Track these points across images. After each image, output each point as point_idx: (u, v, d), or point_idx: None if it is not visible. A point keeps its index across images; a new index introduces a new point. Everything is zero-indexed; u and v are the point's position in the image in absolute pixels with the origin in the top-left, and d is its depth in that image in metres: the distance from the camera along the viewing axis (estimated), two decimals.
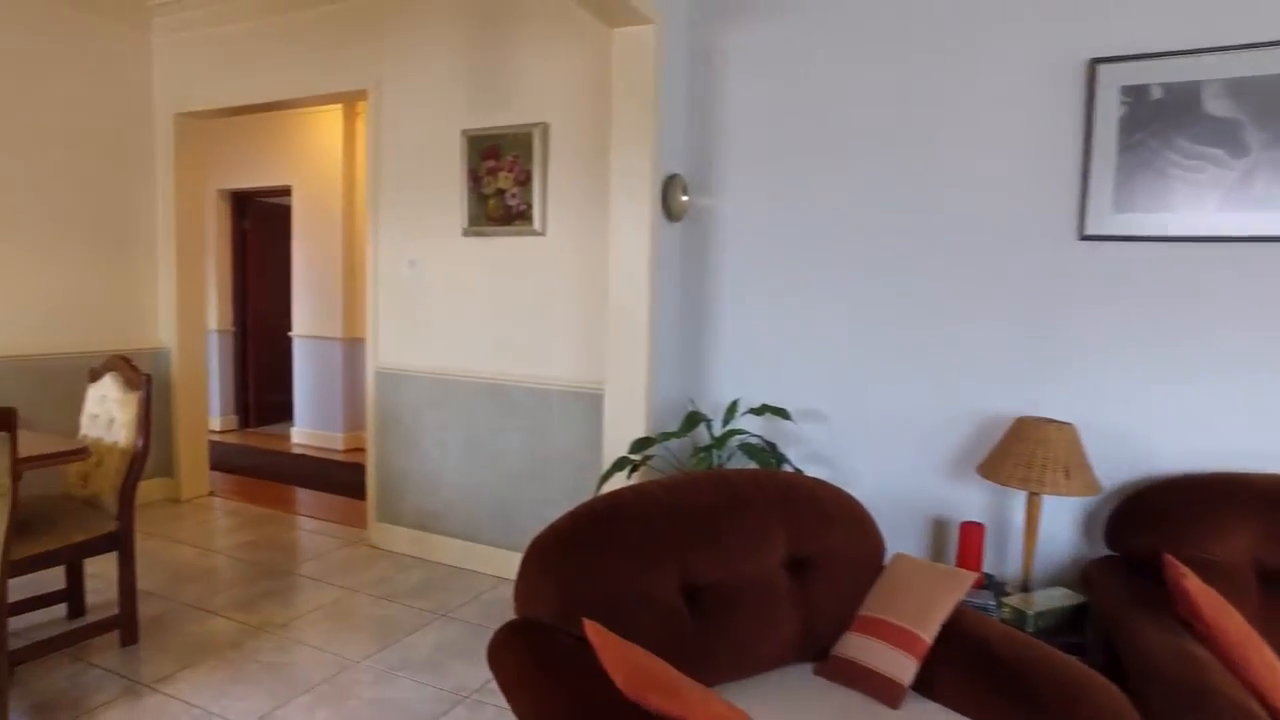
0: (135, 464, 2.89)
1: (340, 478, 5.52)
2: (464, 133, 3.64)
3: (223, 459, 5.93)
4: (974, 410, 2.78)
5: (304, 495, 5.11)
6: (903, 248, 2.86)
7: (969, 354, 2.77)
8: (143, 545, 4.05)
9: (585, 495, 3.47)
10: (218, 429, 7.09)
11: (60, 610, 3.21)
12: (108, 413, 3.01)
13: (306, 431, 6.64)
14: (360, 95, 4.04)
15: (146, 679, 2.74)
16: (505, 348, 3.65)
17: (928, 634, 2.00)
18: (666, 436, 2.85)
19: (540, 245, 3.52)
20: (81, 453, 2.59)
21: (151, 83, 4.71)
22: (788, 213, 3.04)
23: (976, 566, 2.55)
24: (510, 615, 3.22)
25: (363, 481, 5.19)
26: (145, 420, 2.91)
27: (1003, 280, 2.71)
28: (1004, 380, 2.72)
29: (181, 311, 4.79)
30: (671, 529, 2.06)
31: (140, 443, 2.89)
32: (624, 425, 3.03)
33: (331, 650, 2.96)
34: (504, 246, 3.61)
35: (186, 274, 4.80)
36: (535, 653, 1.78)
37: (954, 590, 2.07)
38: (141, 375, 2.93)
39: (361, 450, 6.34)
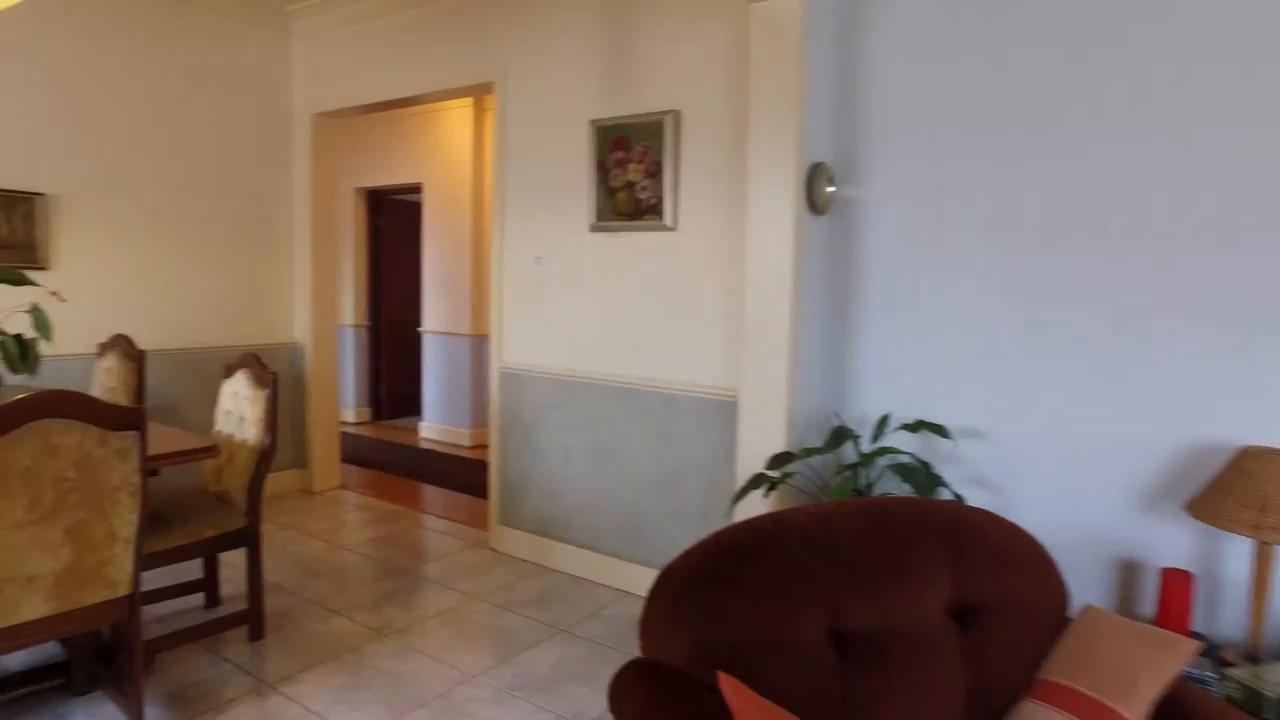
0: (263, 462, 2.88)
1: (465, 476, 5.52)
2: (592, 123, 3.47)
3: (354, 452, 6.07)
4: (1179, 434, 2.35)
5: (430, 492, 5.12)
6: (1091, 246, 2.46)
7: (1175, 367, 2.34)
8: (275, 537, 4.12)
9: (717, 510, 3.23)
10: (351, 421, 7.30)
11: (199, 599, 3.27)
12: (239, 409, 3.02)
13: (435, 426, 6.72)
14: (487, 88, 3.95)
15: (271, 677, 2.72)
16: (633, 349, 3.45)
17: (1133, 712, 1.64)
18: (809, 452, 2.57)
19: (671, 241, 3.30)
20: (209, 451, 2.58)
21: (290, 85, 4.82)
22: (949, 203, 2.69)
23: (1183, 626, 2.14)
24: (633, 637, 3.04)
25: (487, 481, 5.16)
26: (272, 419, 2.89)
27: (1224, 282, 2.27)
28: (1222, 400, 2.28)
29: (315, 307, 4.88)
30: (820, 566, 1.79)
31: (267, 441, 2.88)
32: (761, 437, 2.77)
33: (448, 661, 2.86)
34: (633, 242, 3.42)
35: (320, 271, 4.88)
36: (661, 705, 1.57)
37: (1169, 658, 1.70)
38: (269, 373, 2.92)
39: (488, 447, 6.35)
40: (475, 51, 3.92)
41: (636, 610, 3.32)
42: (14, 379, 3.26)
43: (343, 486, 5.13)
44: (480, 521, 4.44)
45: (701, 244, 3.23)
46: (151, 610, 3.17)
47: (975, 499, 2.66)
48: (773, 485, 2.62)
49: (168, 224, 4.31)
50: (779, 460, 2.64)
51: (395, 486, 5.20)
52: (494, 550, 4.02)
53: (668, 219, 3.26)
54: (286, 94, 4.79)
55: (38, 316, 2.88)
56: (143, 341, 4.19)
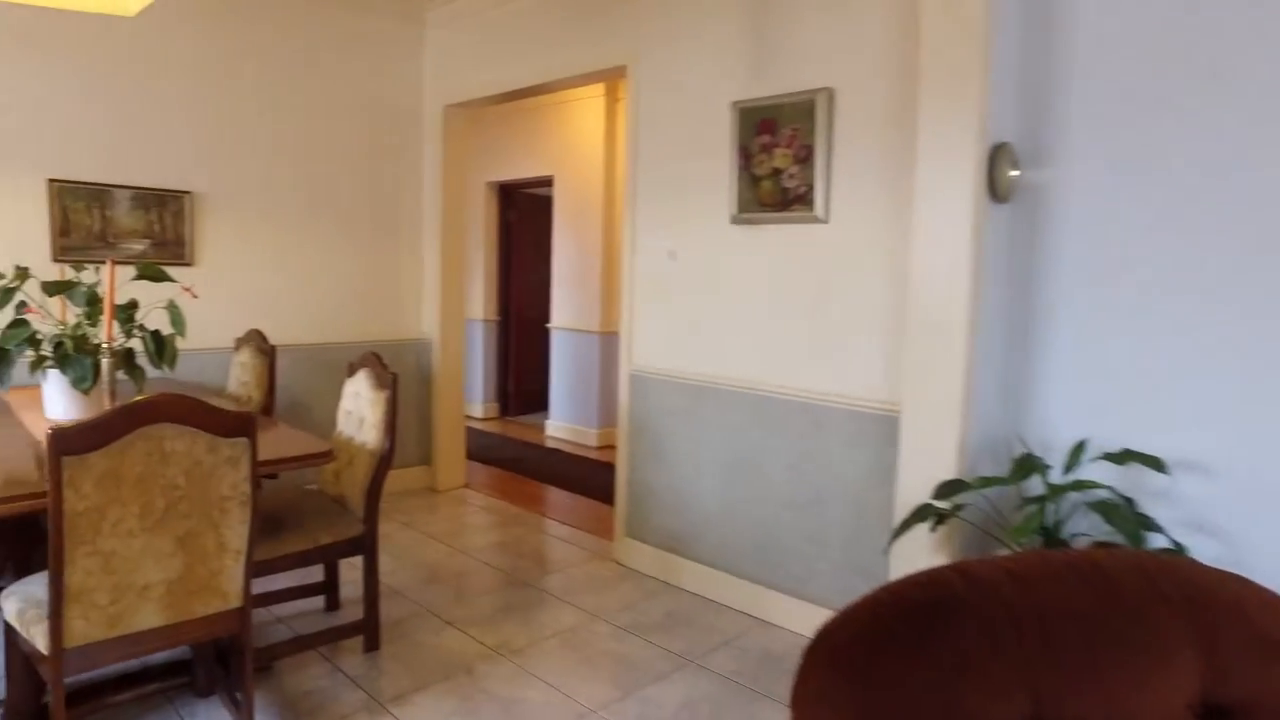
0: (381, 467, 2.75)
1: (591, 478, 5.34)
2: (734, 105, 3.16)
3: (480, 448, 6.02)
4: None
5: (554, 495, 4.96)
6: None
7: None
8: (398, 537, 4.06)
9: (866, 538, 2.87)
10: (479, 415, 7.30)
11: (320, 601, 3.21)
12: (359, 410, 2.91)
13: (561, 424, 6.60)
14: (620, 72, 3.71)
15: (383, 695, 2.58)
16: (775, 355, 3.12)
17: None
18: (988, 482, 2.18)
19: (822, 234, 2.95)
20: (325, 456, 2.45)
21: (422, 77, 4.76)
22: (1164, 188, 2.21)
23: None
24: (769, 675, 2.73)
25: (613, 484, 4.95)
26: (391, 422, 2.76)
27: None
28: None
29: (444, 302, 4.81)
30: (1022, 639, 1.41)
31: (386, 445, 2.75)
32: (926, 460, 2.39)
33: (566, 690, 2.64)
34: (778, 236, 3.09)
35: (449, 265, 4.81)
36: None
37: None
38: (389, 374, 2.79)
39: (615, 448, 6.16)
40: (607, 34, 3.69)
41: (772, 643, 3.00)
42: (153, 373, 3.29)
43: (467, 485, 5.05)
44: (605, 530, 4.23)
45: (856, 237, 2.86)
46: (275, 610, 3.12)
47: (1199, 548, 2.18)
48: (941, 518, 2.24)
49: (301, 220, 4.33)
50: (949, 489, 2.26)
51: (519, 488, 5.08)
52: (618, 564, 3.79)
53: (818, 209, 2.92)
54: (418, 87, 4.74)
55: (173, 312, 2.86)
56: (276, 336, 4.22)
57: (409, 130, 4.71)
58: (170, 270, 3.87)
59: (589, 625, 3.13)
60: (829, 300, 2.94)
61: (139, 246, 3.78)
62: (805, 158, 2.94)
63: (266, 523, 2.61)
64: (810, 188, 2.93)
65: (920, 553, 2.32)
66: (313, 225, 4.36)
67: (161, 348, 2.84)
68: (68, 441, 1.76)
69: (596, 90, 5.98)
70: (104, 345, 2.51)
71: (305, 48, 4.26)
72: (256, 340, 3.72)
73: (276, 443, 2.55)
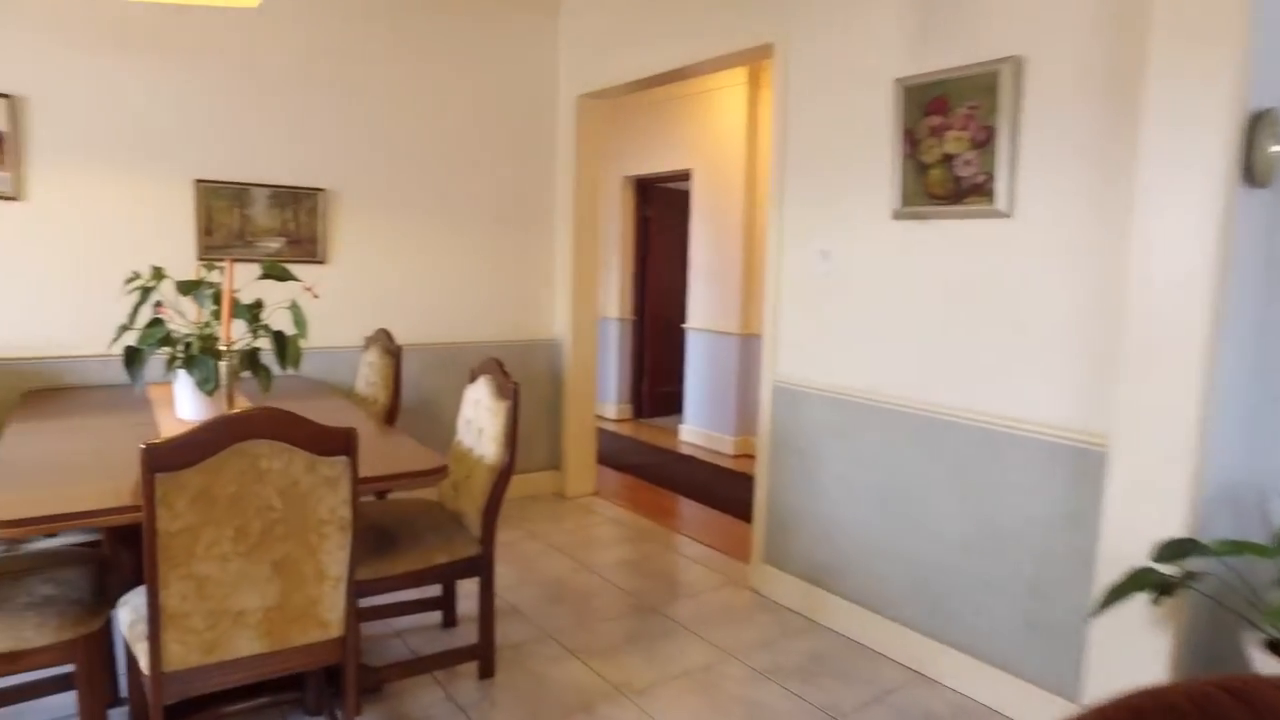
0: (499, 483, 2.55)
1: (727, 490, 5.02)
2: (898, 83, 2.75)
3: (612, 452, 5.82)
4: None
5: (687, 508, 4.67)
6: None
7: None
8: (522, 547, 3.89)
9: (1052, 590, 2.40)
10: (612, 417, 7.12)
11: (436, 616, 3.07)
12: (479, 420, 2.72)
13: (696, 430, 6.31)
14: (765, 52, 3.36)
15: None
16: (944, 370, 2.70)
17: None
18: (1239, 549, 1.70)
19: (1005, 230, 2.50)
20: (437, 473, 2.26)
21: (557, 66, 4.58)
22: None
23: None
24: None
25: (750, 498, 4.61)
26: (511, 435, 2.55)
27: None
28: None
29: (576, 301, 4.62)
30: None
31: (505, 460, 2.54)
32: (1144, 510, 1.93)
33: None
34: (948, 232, 2.66)
35: (582, 263, 4.61)
36: None
37: None
38: (510, 383, 2.58)
39: (752, 458, 5.82)
40: (752, 10, 3.34)
41: (934, 702, 2.59)
42: (282, 373, 3.26)
43: (596, 493, 4.85)
44: (741, 551, 3.90)
45: (1049, 233, 2.39)
46: (393, 624, 3.01)
47: None
48: (1166, 590, 1.78)
49: (431, 217, 4.24)
50: (1176, 550, 1.79)
51: (650, 498, 4.83)
52: (755, 593, 3.45)
53: (999, 201, 2.47)
54: (552, 77, 4.57)
55: (295, 312, 2.78)
56: (405, 336, 4.16)
57: (541, 123, 4.55)
58: (302, 269, 3.89)
59: (721, 665, 2.82)
60: (1012, 308, 2.49)
61: (275, 245, 3.79)
62: (984, 140, 2.50)
63: (379, 538, 2.47)
64: (989, 175, 2.49)
65: (1137, 629, 1.86)
66: (442, 222, 4.27)
67: (284, 348, 2.76)
68: (161, 458, 1.63)
69: (738, 77, 5.64)
70: (223, 347, 2.43)
71: (437, 41, 4.16)
72: (383, 340, 3.64)
73: (387, 456, 2.39)
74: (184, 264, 3.55)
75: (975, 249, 2.58)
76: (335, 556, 1.85)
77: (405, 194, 4.14)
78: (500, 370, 2.70)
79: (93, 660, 2.00)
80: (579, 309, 4.63)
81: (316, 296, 2.92)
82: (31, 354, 3.35)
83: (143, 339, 2.59)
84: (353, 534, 1.88)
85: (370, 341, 3.78)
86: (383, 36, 3.99)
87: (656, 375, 7.20)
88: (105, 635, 2.19)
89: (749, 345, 5.88)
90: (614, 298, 7.04)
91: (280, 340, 2.76)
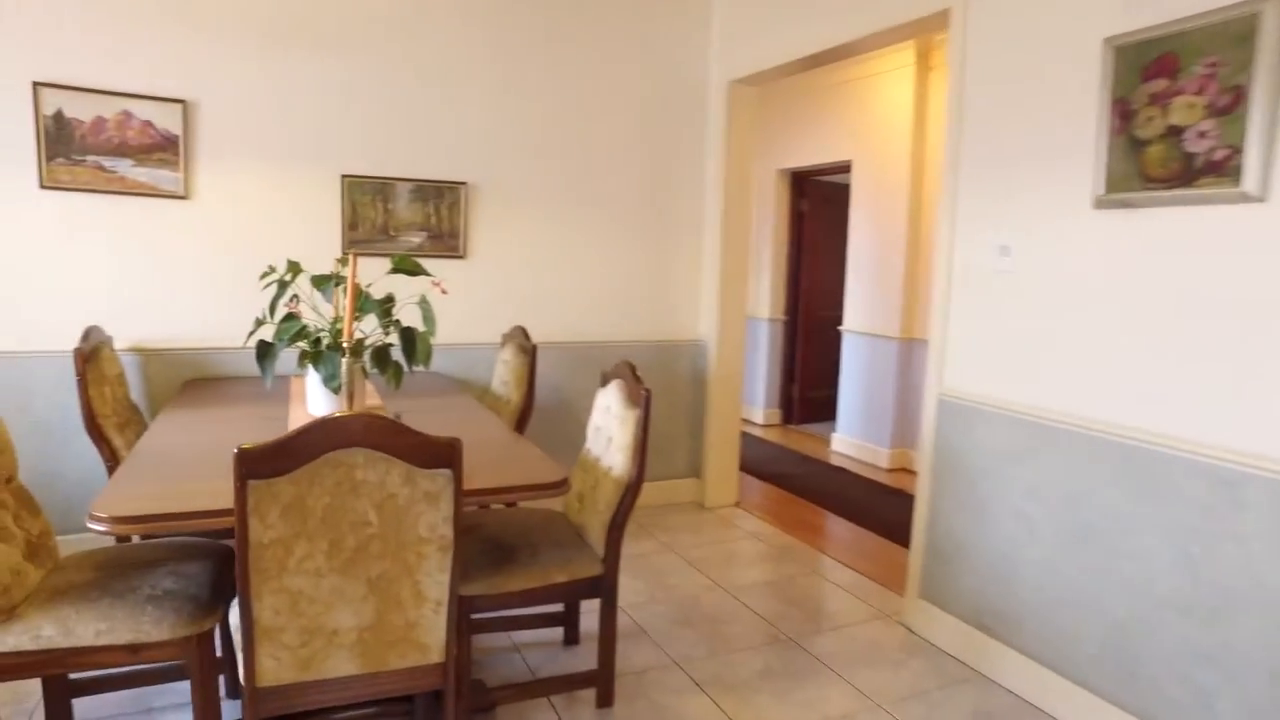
0: (626, 498, 2.33)
1: (880, 508, 4.59)
2: (1108, 43, 2.29)
3: (757, 459, 5.50)
4: None
5: (836, 526, 4.30)
6: None
7: None
8: (655, 560, 3.66)
9: None
10: (759, 422, 6.79)
11: (558, 633, 2.90)
12: (608, 427, 2.51)
13: (848, 440, 5.87)
14: (940, 21, 2.94)
15: None
16: (1161, 393, 2.21)
17: None
18: None
19: (1254, 219, 2.00)
20: (555, 487, 2.06)
21: (707, 50, 4.31)
22: None
23: None
24: None
25: (906, 519, 4.18)
26: (640, 447, 2.32)
27: None
28: None
29: (723, 300, 4.34)
30: None
31: (633, 474, 2.32)
32: None
33: None
34: (1171, 223, 2.18)
35: (731, 260, 4.33)
36: None
37: None
38: (642, 390, 2.35)
39: (909, 473, 5.33)
40: None
41: None
42: (412, 370, 3.19)
43: (738, 504, 4.56)
44: (894, 580, 3.51)
45: None
46: (511, 636, 2.86)
47: None
48: None
49: (572, 211, 4.09)
50: None
51: (796, 512, 4.49)
52: (909, 631, 3.06)
53: (1248, 182, 1.97)
54: (702, 62, 4.31)
55: (424, 308, 2.69)
56: (543, 333, 4.04)
57: (690, 113, 4.30)
58: (442, 263, 3.84)
59: (867, 715, 2.47)
60: (1260, 318, 1.99)
61: (416, 239, 3.76)
62: (1229, 106, 2.00)
63: (495, 550, 2.31)
64: (1234, 150, 1.99)
65: None
66: (584, 217, 4.12)
67: (413, 345, 2.66)
68: (253, 464, 1.51)
69: (905, 58, 5.15)
70: (344, 343, 2.35)
71: (583, 28, 4.00)
72: (519, 338, 3.53)
73: (505, 465, 2.23)
74: (330, 259, 3.59)
75: (1208, 242, 2.09)
76: (435, 579, 1.69)
77: (546, 187, 4.02)
78: (632, 375, 2.47)
79: (204, 658, 1.95)
80: (726, 308, 4.36)
81: (445, 292, 2.81)
82: (193, 345, 3.48)
83: (277, 334, 2.57)
84: (460, 550, 1.71)
85: (506, 339, 3.68)
86: (528, 25, 3.88)
87: (807, 379, 6.79)
88: (223, 630, 2.16)
89: (910, 351, 5.38)
90: (764, 297, 6.70)
91: (409, 336, 2.67)
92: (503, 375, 3.62)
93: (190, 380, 3.42)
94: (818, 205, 6.66)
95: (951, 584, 2.90)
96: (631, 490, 2.33)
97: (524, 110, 3.91)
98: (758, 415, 6.80)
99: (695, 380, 4.49)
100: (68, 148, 3.22)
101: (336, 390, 2.53)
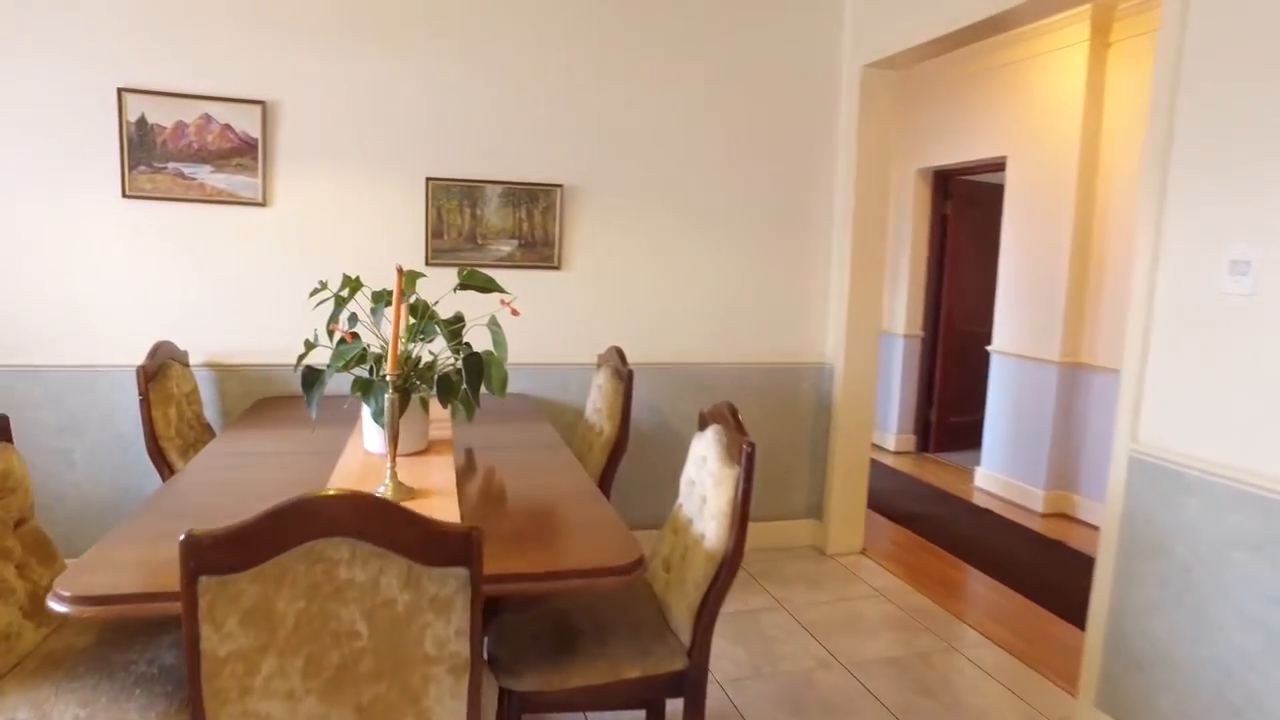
0: (719, 577, 1.85)
1: (1037, 565, 3.88)
2: None
3: (887, 494, 4.87)
4: None
5: (981, 586, 3.64)
6: None
7: None
8: (763, 621, 3.15)
9: None
10: (891, 448, 6.11)
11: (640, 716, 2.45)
12: (702, 484, 2.04)
13: (995, 476, 5.13)
14: None
15: None
16: None
17: None
18: None
19: None
20: (623, 573, 1.61)
21: (838, 31, 3.75)
22: None
23: None
24: None
25: (1069, 584, 3.48)
26: (741, 515, 1.84)
27: None
28: None
29: (853, 318, 3.77)
30: None
31: (729, 545, 1.84)
32: None
33: None
34: None
35: (863, 272, 3.76)
36: None
37: None
38: (744, 442, 1.86)
39: (1067, 519, 4.55)
40: None
41: None
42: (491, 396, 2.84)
43: (864, 551, 3.97)
44: (1057, 667, 2.85)
45: None
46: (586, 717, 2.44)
47: None
48: None
49: (680, 216, 3.64)
50: None
51: (933, 564, 3.85)
52: None
53: None
54: (833, 44, 3.75)
55: (495, 332, 2.31)
56: (645, 352, 3.61)
57: (818, 103, 3.75)
58: (535, 275, 3.47)
59: None
60: None
61: (506, 248, 3.41)
62: None
63: (555, 627, 1.89)
64: None
65: None
66: (694, 222, 3.66)
67: (478, 374, 2.29)
68: (204, 555, 1.15)
69: (1076, 33, 4.40)
70: (386, 374, 1.99)
71: (693, 11, 3.54)
72: (614, 360, 3.11)
73: (566, 534, 1.80)
74: (415, 269, 3.30)
75: None
76: (448, 707, 1.28)
77: (652, 190, 3.58)
78: (733, 420, 2.00)
79: None
80: (857, 327, 3.79)
81: (516, 314, 2.43)
82: (269, 361, 3.27)
83: (334, 358, 2.25)
84: (480, 672, 1.29)
85: (602, 361, 3.27)
86: (631, 11, 3.46)
87: (948, 403, 6.06)
88: None
89: (1073, 379, 4.61)
90: (900, 310, 6.02)
91: (474, 364, 2.30)
92: (596, 402, 3.22)
93: (263, 399, 3.20)
94: (963, 208, 5.93)
95: (1147, 700, 2.25)
96: (727, 566, 1.85)
97: (626, 104, 3.50)
98: (889, 441, 6.13)
99: (819, 407, 3.94)
100: (149, 155, 3.07)
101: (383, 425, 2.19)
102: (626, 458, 3.62)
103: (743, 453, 1.86)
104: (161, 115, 3.06)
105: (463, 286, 2.39)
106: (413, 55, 3.25)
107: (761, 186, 3.72)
